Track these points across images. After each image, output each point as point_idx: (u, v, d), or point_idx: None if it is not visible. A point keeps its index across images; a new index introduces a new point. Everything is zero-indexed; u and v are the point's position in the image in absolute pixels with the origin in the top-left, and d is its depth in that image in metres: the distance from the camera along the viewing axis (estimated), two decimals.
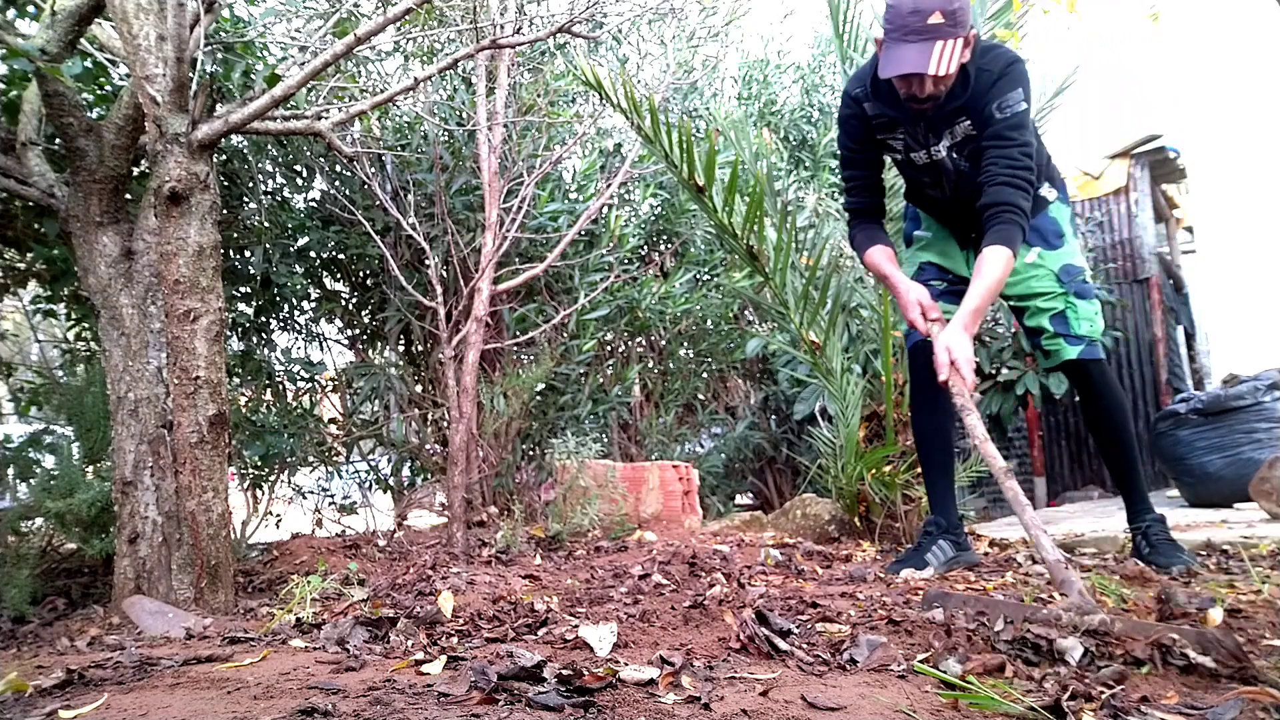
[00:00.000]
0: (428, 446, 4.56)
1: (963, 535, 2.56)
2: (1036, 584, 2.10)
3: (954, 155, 2.33)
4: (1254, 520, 3.86)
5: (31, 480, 2.73)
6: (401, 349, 4.70)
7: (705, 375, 5.62)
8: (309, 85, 2.91)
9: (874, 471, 3.12)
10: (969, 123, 2.27)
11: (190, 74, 2.23)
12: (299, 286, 4.01)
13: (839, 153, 2.52)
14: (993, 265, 2.13)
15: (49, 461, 2.78)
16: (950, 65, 2.08)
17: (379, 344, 4.70)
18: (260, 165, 3.92)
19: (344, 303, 4.53)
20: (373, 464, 4.67)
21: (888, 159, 2.55)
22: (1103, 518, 4.66)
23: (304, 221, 4.05)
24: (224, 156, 3.65)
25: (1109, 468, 2.63)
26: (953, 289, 2.47)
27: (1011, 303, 2.51)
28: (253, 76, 3.07)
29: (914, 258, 2.61)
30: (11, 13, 2.70)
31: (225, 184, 3.70)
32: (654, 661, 1.36)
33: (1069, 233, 2.46)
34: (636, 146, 4.41)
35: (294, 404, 4.19)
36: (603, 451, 4.53)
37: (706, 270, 5.45)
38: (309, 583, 2.19)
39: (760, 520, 3.78)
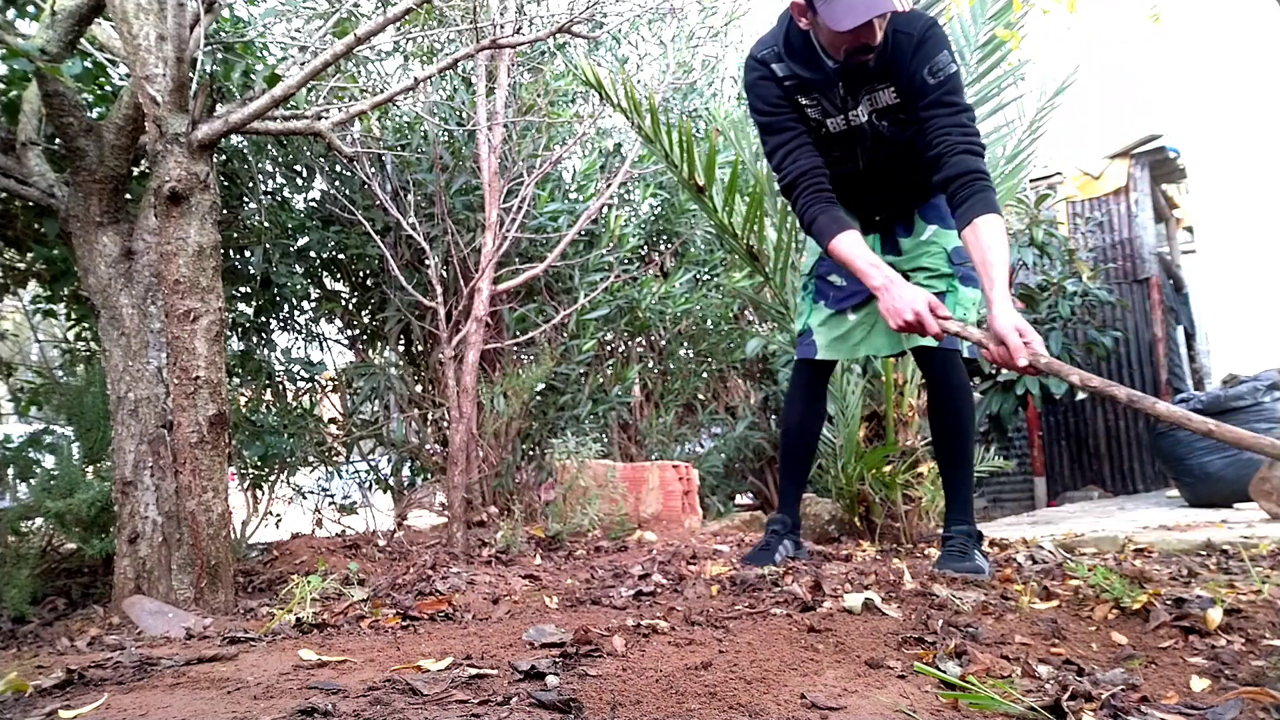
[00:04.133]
0: (428, 446, 4.56)
1: (798, 535, 2.59)
2: (1035, 586, 2.10)
3: (875, 121, 2.22)
4: (1254, 520, 3.86)
5: (31, 480, 2.73)
6: (401, 349, 4.70)
7: (705, 375, 5.62)
8: (309, 85, 2.91)
9: (874, 471, 3.12)
10: (893, 90, 2.17)
11: (190, 74, 2.23)
12: (299, 286, 4.01)
13: (757, 123, 2.28)
14: (996, 234, 2.02)
15: (49, 461, 2.78)
16: (903, 3, 2.00)
17: (379, 344, 4.71)
18: (260, 165, 3.92)
19: (344, 303, 4.53)
20: (373, 464, 4.67)
21: None
22: (1103, 518, 4.66)
23: (304, 221, 4.05)
24: (224, 156, 3.65)
25: (943, 462, 2.44)
26: (856, 282, 2.28)
27: (905, 268, 2.32)
28: (253, 76, 3.07)
29: (811, 247, 2.48)
30: (11, 13, 2.70)
31: (225, 184, 3.70)
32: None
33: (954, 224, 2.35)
34: (636, 146, 4.41)
35: (294, 404, 4.19)
36: (603, 451, 4.53)
37: (706, 270, 5.45)
38: (309, 583, 2.19)
39: (760, 520, 3.78)
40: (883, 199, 2.39)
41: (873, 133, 2.24)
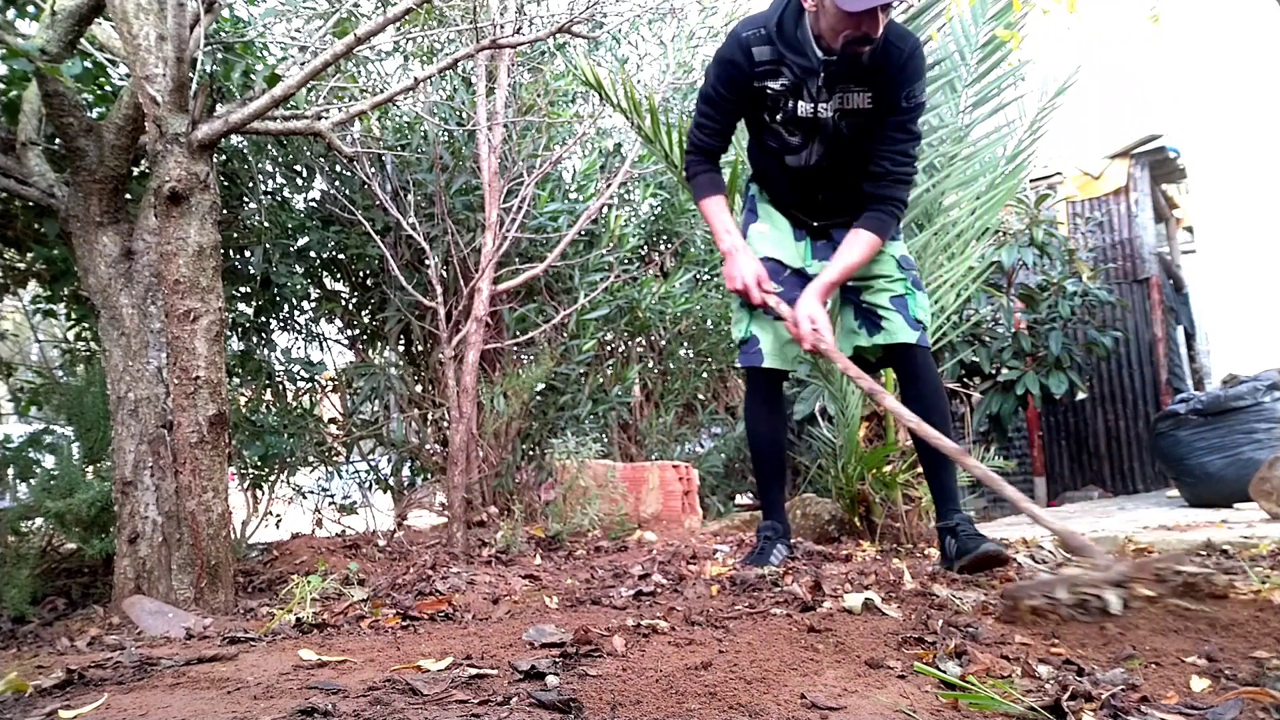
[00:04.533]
0: (428, 446, 4.56)
1: (789, 540, 2.62)
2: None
3: (837, 120, 2.29)
4: (1254, 520, 3.86)
5: (31, 480, 2.73)
6: (401, 349, 4.70)
7: (705, 375, 5.63)
8: (309, 85, 2.91)
9: (874, 471, 3.11)
10: (869, 95, 2.25)
11: (190, 74, 2.23)
12: (299, 286, 4.01)
13: (707, 90, 2.37)
14: (859, 245, 2.28)
15: (49, 461, 2.78)
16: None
17: (379, 344, 4.71)
18: (260, 165, 3.93)
19: (344, 303, 4.53)
20: (373, 464, 4.67)
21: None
22: (1103, 518, 4.66)
23: (304, 221, 4.05)
24: (224, 156, 3.65)
25: (930, 456, 2.47)
26: (793, 284, 2.41)
27: (851, 283, 2.44)
28: (253, 76, 3.07)
29: (753, 251, 2.50)
30: (11, 13, 2.70)
31: (225, 184, 3.70)
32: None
33: (900, 234, 2.52)
34: (636, 146, 4.41)
35: (294, 404, 4.19)
36: (603, 451, 4.53)
37: (706, 270, 5.45)
38: (309, 583, 2.19)
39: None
40: (826, 201, 2.46)
41: (833, 130, 2.31)
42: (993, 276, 6.59)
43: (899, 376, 2.49)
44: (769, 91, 2.28)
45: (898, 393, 2.49)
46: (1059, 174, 8.82)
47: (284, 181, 4.20)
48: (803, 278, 2.44)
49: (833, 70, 2.20)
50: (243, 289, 3.80)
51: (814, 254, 2.49)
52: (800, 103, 2.27)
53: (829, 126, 2.30)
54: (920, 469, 3.15)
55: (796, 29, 2.19)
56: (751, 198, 2.58)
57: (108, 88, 3.01)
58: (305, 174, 4.22)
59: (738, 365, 2.56)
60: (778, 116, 2.32)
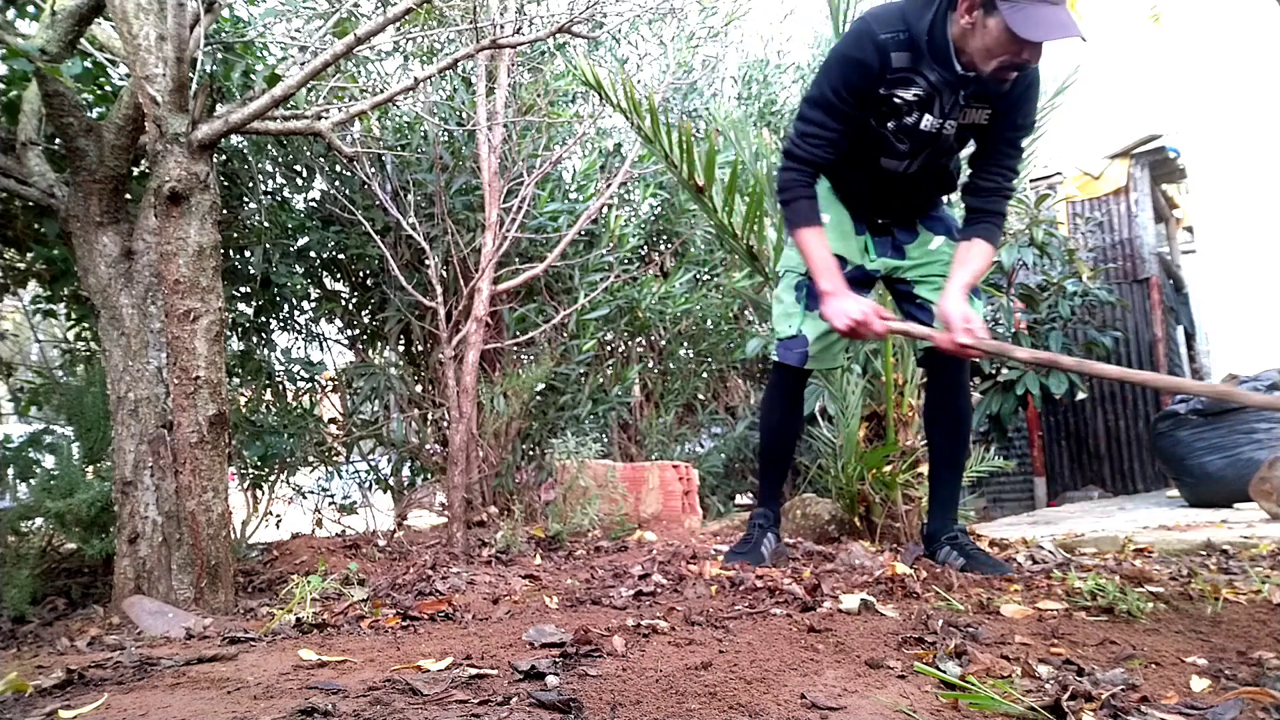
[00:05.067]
0: (428, 446, 4.56)
1: (779, 530, 2.63)
2: (1038, 586, 2.10)
3: (951, 134, 2.22)
4: (1254, 520, 3.86)
5: (31, 480, 2.73)
6: (401, 349, 4.70)
7: (705, 375, 5.63)
8: (309, 85, 2.91)
9: (874, 471, 3.11)
10: (989, 113, 2.17)
11: (190, 74, 2.23)
12: (299, 286, 4.01)
13: (818, 95, 2.17)
14: (981, 255, 2.22)
15: (49, 461, 2.78)
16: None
17: (379, 344, 4.71)
18: (260, 165, 3.93)
19: (344, 303, 4.53)
20: (373, 464, 4.67)
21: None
22: (1103, 518, 4.66)
23: (304, 221, 4.05)
24: (224, 156, 3.65)
25: (943, 461, 2.47)
26: (852, 281, 2.33)
27: (909, 275, 2.40)
28: (253, 76, 3.07)
29: None
30: (11, 13, 2.70)
31: (225, 184, 3.70)
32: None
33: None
34: (636, 146, 4.41)
35: (294, 404, 4.19)
36: (603, 451, 4.53)
37: (706, 270, 5.45)
38: (309, 583, 2.19)
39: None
40: (902, 204, 2.39)
41: (945, 143, 2.24)
42: (993, 276, 6.59)
43: (934, 380, 2.46)
44: (895, 100, 2.14)
45: (924, 395, 2.50)
46: (1059, 174, 8.81)
47: (284, 181, 4.20)
48: (863, 273, 2.38)
49: (972, 89, 2.10)
50: (243, 289, 3.80)
51: (876, 250, 2.42)
52: (927, 116, 2.15)
53: (945, 139, 2.22)
54: (920, 469, 3.15)
55: (943, 39, 2.05)
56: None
57: (108, 88, 3.01)
58: (305, 174, 4.22)
59: (775, 357, 2.49)
60: (890, 124, 2.19)
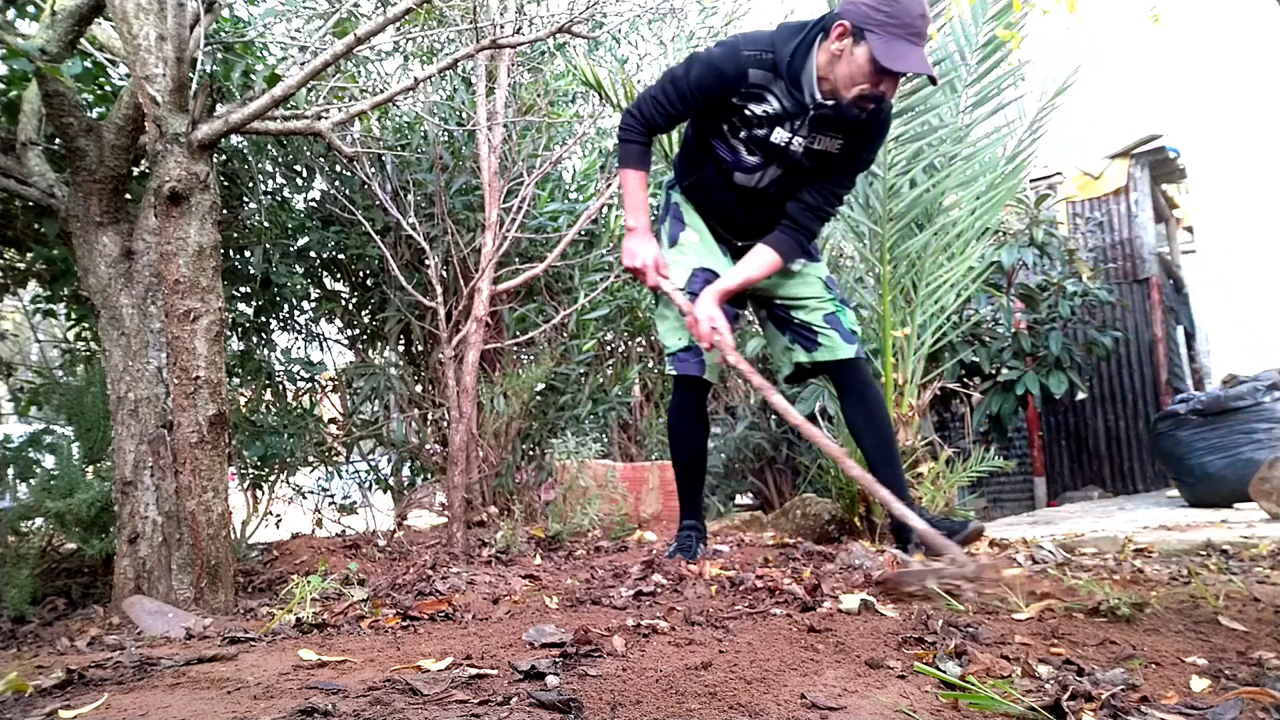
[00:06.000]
0: (428, 446, 4.56)
1: (706, 539, 2.73)
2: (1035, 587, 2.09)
3: (802, 155, 2.34)
4: (1254, 520, 3.86)
5: (31, 480, 2.73)
6: (401, 349, 4.70)
7: None
8: (309, 85, 2.91)
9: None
10: (840, 142, 2.33)
11: (190, 74, 2.23)
12: (299, 286, 4.01)
13: (679, 82, 2.29)
14: (761, 260, 2.37)
15: (49, 461, 2.78)
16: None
17: (379, 344, 4.71)
18: (260, 165, 3.93)
19: (344, 303, 4.53)
20: (373, 464, 4.67)
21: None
22: (1103, 518, 4.66)
23: (304, 221, 4.05)
24: (224, 156, 3.65)
25: (877, 455, 2.55)
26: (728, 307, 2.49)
27: (780, 303, 2.54)
28: (253, 76, 3.08)
29: (682, 261, 2.51)
30: (11, 13, 2.70)
31: (225, 184, 3.70)
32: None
33: (820, 255, 2.63)
34: None
35: (294, 404, 4.19)
36: (603, 451, 4.53)
37: None
38: (309, 583, 2.19)
39: (760, 520, 3.78)
40: (756, 225, 2.50)
41: (794, 162, 2.35)
42: (993, 276, 6.59)
43: (842, 388, 2.59)
44: (746, 112, 2.29)
45: (840, 403, 2.63)
46: (1059, 174, 8.82)
47: (284, 181, 4.20)
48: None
49: (824, 115, 2.25)
50: (243, 289, 3.80)
51: None
52: (778, 130, 2.30)
53: (793, 158, 2.35)
54: (920, 469, 3.16)
55: (803, 65, 2.21)
56: (675, 205, 2.58)
57: (108, 88, 3.01)
58: (305, 174, 4.22)
59: (672, 371, 2.59)
60: (742, 133, 2.34)
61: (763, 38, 2.26)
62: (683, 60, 2.35)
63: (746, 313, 2.82)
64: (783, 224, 2.40)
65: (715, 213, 2.52)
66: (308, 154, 4.07)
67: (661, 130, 2.41)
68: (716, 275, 2.46)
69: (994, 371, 6.82)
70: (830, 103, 2.20)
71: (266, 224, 3.83)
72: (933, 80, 2.16)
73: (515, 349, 4.65)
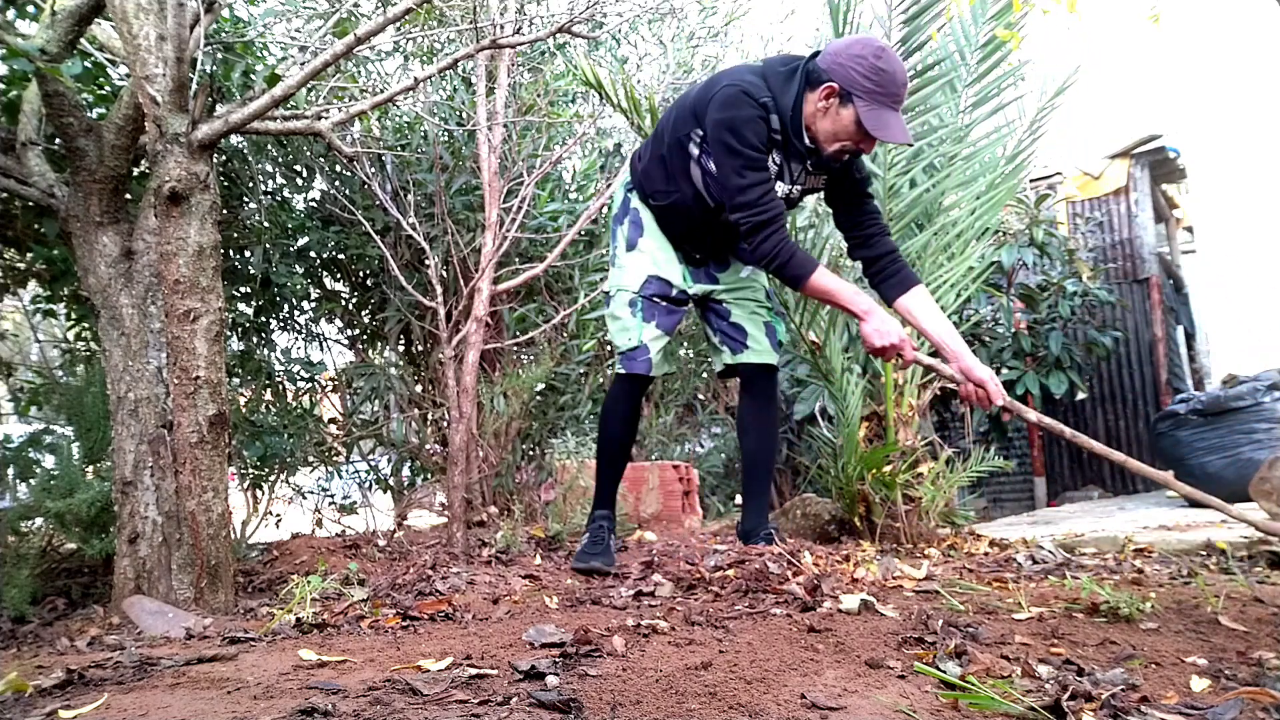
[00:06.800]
0: (428, 446, 4.56)
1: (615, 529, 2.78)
2: (1035, 587, 2.10)
3: (794, 193, 2.44)
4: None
5: (31, 480, 2.73)
6: (401, 349, 4.70)
7: (705, 375, 5.63)
8: (309, 85, 2.91)
9: (874, 471, 3.11)
10: (825, 178, 2.44)
11: (190, 74, 2.23)
12: (299, 286, 4.01)
13: (743, 157, 2.22)
14: (933, 306, 2.42)
15: (49, 461, 2.78)
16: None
17: (379, 344, 4.71)
18: (260, 165, 3.93)
19: (344, 303, 4.53)
20: (373, 464, 4.67)
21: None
22: (1103, 518, 4.66)
23: (304, 221, 4.05)
24: (224, 156, 3.65)
25: (758, 463, 2.71)
26: (672, 306, 2.54)
27: (723, 297, 2.63)
28: (253, 76, 3.08)
29: (637, 266, 2.54)
30: (11, 13, 2.70)
31: (225, 184, 3.70)
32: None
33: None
34: (636, 146, 4.40)
35: (294, 404, 4.19)
36: None
37: None
38: (309, 583, 2.19)
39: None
40: (718, 244, 2.58)
41: (785, 200, 2.42)
42: (993, 276, 6.59)
43: (752, 393, 2.69)
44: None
45: (740, 402, 2.75)
46: (1059, 174, 8.81)
47: (284, 181, 4.20)
48: (683, 295, 2.57)
49: (814, 161, 2.33)
50: (243, 289, 3.80)
51: (693, 278, 2.61)
52: (780, 184, 2.37)
53: (791, 204, 2.46)
54: (919, 469, 3.15)
55: (795, 116, 2.26)
56: (636, 211, 2.60)
57: (108, 88, 3.01)
58: (305, 174, 4.22)
59: (620, 370, 2.64)
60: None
61: (758, 84, 2.24)
62: (712, 145, 2.28)
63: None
64: (889, 263, 2.42)
65: (685, 233, 2.55)
66: (308, 154, 4.07)
67: (780, 211, 2.30)
68: (670, 284, 2.52)
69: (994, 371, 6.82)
70: (813, 147, 2.29)
71: (266, 224, 3.83)
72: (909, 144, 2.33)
73: (515, 349, 4.65)
